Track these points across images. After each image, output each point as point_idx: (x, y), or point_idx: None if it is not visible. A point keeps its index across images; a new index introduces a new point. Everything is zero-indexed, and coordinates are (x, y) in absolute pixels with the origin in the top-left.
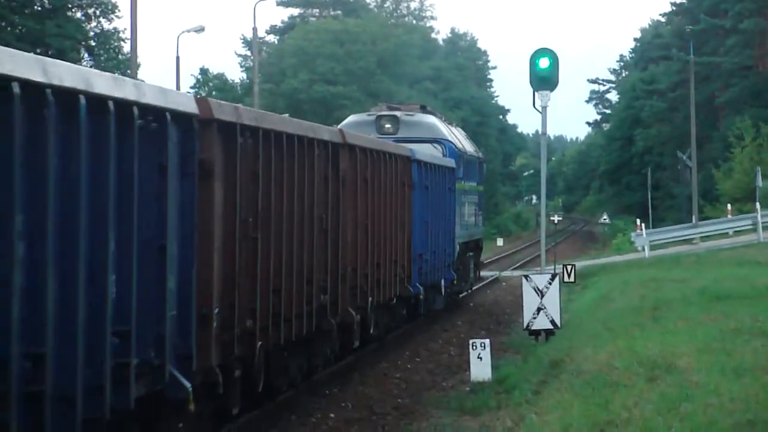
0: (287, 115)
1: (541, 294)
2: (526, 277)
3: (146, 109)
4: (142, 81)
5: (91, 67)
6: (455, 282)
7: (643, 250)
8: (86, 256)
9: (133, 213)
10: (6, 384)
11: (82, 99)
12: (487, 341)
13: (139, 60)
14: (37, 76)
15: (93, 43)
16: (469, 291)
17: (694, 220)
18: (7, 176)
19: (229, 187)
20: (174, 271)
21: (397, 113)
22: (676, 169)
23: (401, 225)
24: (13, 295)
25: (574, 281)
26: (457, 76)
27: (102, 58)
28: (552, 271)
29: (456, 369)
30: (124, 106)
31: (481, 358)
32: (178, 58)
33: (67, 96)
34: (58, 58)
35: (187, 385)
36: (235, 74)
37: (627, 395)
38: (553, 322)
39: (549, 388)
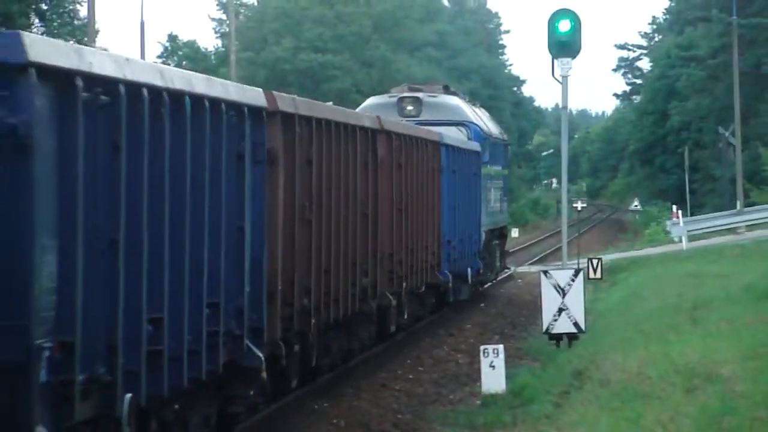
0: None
1: (562, 292)
2: (545, 272)
3: (230, 105)
4: (226, 81)
5: (42, 34)
6: (481, 271)
7: (680, 241)
8: (190, 236)
9: (221, 198)
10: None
11: (187, 99)
12: (500, 347)
13: (97, 26)
14: (157, 81)
15: (45, 7)
16: (494, 281)
17: (738, 206)
18: (160, 171)
19: (289, 174)
20: (248, 251)
21: (420, 94)
22: (717, 147)
23: (432, 210)
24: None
25: (601, 277)
26: (464, 41)
27: (55, 23)
28: (575, 266)
29: (465, 379)
30: (215, 102)
31: (493, 367)
32: (142, 23)
33: (176, 96)
34: (3, 25)
35: (260, 355)
36: (209, 41)
37: (662, 408)
38: (576, 324)
39: (572, 400)
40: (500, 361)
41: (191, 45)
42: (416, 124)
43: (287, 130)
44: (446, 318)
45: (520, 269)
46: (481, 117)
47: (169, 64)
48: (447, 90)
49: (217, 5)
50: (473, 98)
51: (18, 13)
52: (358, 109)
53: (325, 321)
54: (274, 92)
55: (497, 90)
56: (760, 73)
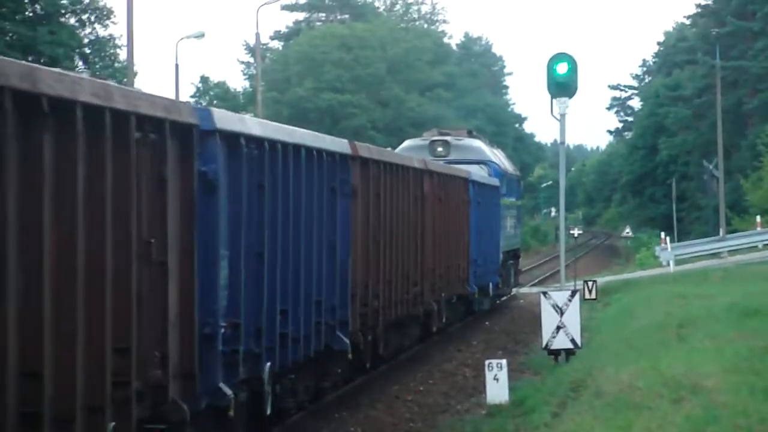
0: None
1: (560, 311)
2: (544, 293)
3: (328, 153)
4: (324, 135)
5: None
6: (500, 286)
7: (668, 264)
8: (304, 251)
9: (322, 221)
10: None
11: (303, 150)
12: (503, 362)
13: (136, 68)
14: (286, 138)
15: (87, 51)
16: (509, 295)
17: (721, 233)
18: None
19: (365, 204)
20: (339, 262)
21: (448, 138)
22: (702, 179)
23: (462, 235)
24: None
25: (596, 298)
26: (471, 82)
27: (97, 66)
28: (572, 288)
29: (471, 391)
30: (319, 151)
31: (497, 380)
32: (177, 65)
33: (297, 148)
34: (50, 66)
35: (347, 341)
36: (238, 82)
37: (651, 418)
38: (573, 341)
39: (569, 410)
40: (503, 375)
41: (221, 86)
42: (445, 163)
43: (364, 171)
44: (454, 335)
45: (522, 290)
46: (498, 156)
47: (200, 104)
48: (470, 134)
49: (245, 49)
50: (488, 138)
51: (62, 56)
52: (397, 150)
53: (387, 320)
54: (356, 142)
55: (501, 126)
56: (741, 112)
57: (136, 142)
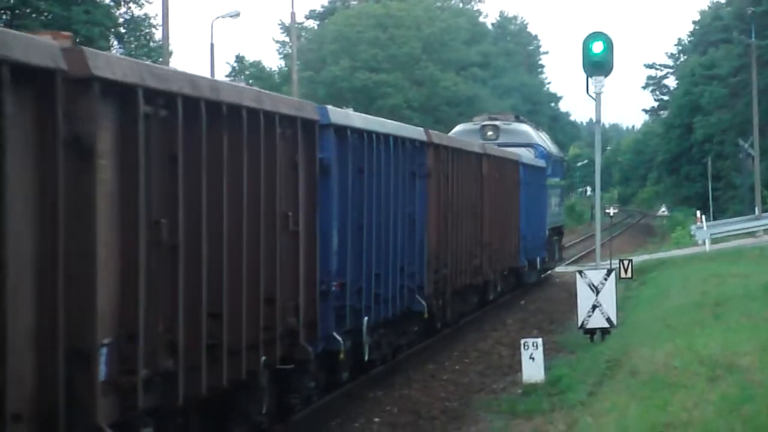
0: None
1: (596, 290)
2: (580, 272)
3: (411, 140)
4: (405, 125)
5: (121, 54)
6: (546, 260)
7: (704, 243)
8: (392, 224)
9: (405, 199)
10: (370, 286)
11: (391, 139)
12: (539, 341)
13: (171, 48)
14: (380, 128)
15: (123, 30)
16: (554, 269)
17: (757, 212)
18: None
19: (437, 184)
20: (417, 233)
21: (497, 122)
22: (738, 158)
23: (513, 213)
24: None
25: (632, 277)
26: (506, 61)
27: (132, 45)
28: (608, 267)
29: (507, 370)
30: (404, 140)
31: (533, 359)
32: (212, 45)
33: (384, 137)
34: (86, 46)
35: (423, 303)
36: (273, 62)
37: (686, 396)
38: (608, 320)
39: (604, 389)
40: (539, 354)
41: (257, 65)
42: (495, 145)
43: (436, 155)
44: (489, 315)
45: (558, 269)
46: (544, 139)
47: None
48: (517, 118)
49: (281, 29)
50: (531, 121)
51: (98, 35)
52: (450, 134)
53: (454, 287)
54: (430, 130)
55: (536, 106)
56: None
57: (278, 136)
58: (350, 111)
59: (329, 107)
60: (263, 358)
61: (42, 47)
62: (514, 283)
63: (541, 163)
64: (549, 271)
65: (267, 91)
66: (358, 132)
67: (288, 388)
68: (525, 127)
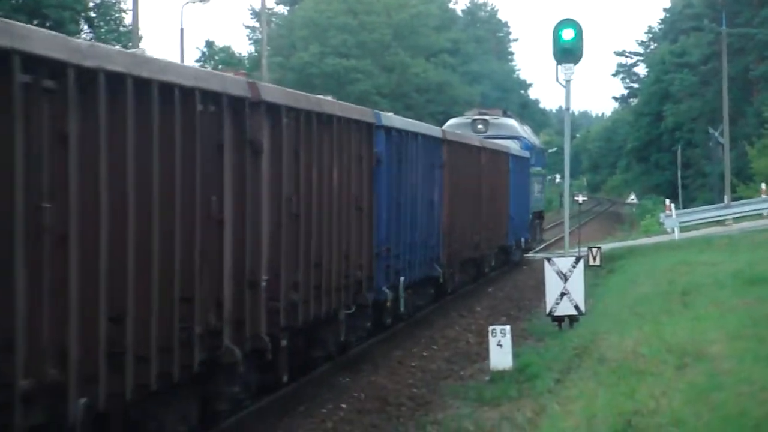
0: (391, 113)
1: (564, 278)
2: (548, 260)
3: (432, 137)
4: (426, 124)
5: (90, 39)
6: (529, 240)
7: (673, 231)
8: (419, 205)
9: (427, 184)
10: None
11: (419, 137)
12: (507, 328)
13: (140, 32)
14: (408, 127)
15: (93, 14)
16: (536, 249)
17: (726, 201)
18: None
19: (448, 174)
20: (435, 213)
21: (487, 117)
22: (707, 146)
23: (503, 198)
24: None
25: (600, 265)
26: (476, 48)
27: (102, 30)
28: (576, 254)
29: (475, 357)
30: (427, 137)
31: (501, 346)
32: (182, 30)
33: (415, 135)
34: (56, 30)
35: (440, 271)
36: (243, 47)
37: (654, 384)
38: (577, 307)
39: (572, 376)
40: (507, 341)
41: (227, 50)
42: (484, 137)
43: (450, 150)
44: (457, 302)
45: (525, 256)
46: (527, 132)
47: (205, 68)
48: (504, 113)
49: (251, 14)
50: (484, 100)
51: (68, 19)
52: (444, 127)
53: (460, 259)
54: (443, 128)
55: (506, 93)
56: (747, 79)
57: (353, 137)
58: (391, 114)
59: (381, 112)
60: (343, 301)
61: None
62: (503, 259)
63: (526, 153)
64: (530, 252)
65: (341, 102)
66: (398, 131)
67: (354, 325)
68: (511, 122)
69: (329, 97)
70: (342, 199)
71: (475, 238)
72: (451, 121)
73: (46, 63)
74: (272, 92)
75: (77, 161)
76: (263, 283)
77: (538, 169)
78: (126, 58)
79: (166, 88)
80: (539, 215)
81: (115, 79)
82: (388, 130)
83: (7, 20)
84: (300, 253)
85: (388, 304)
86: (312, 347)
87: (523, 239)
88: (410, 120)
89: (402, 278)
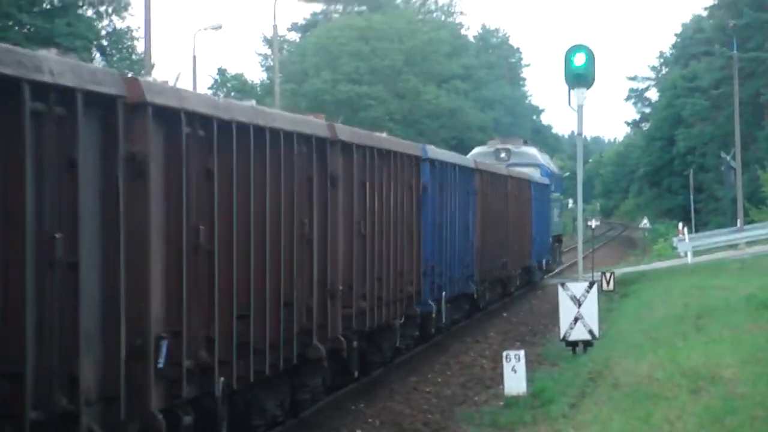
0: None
1: (578, 303)
2: (562, 284)
3: (466, 168)
4: (461, 155)
5: (103, 67)
6: (549, 262)
7: (686, 255)
8: (458, 229)
9: (463, 210)
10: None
11: (456, 168)
12: (521, 353)
13: (153, 60)
14: (448, 159)
15: (105, 43)
16: (556, 270)
17: (738, 224)
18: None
19: (480, 200)
20: (469, 235)
21: (509, 146)
22: (719, 170)
23: (526, 222)
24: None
25: (614, 289)
26: (488, 74)
27: (115, 58)
28: (590, 279)
29: (489, 382)
30: (463, 167)
31: (515, 371)
32: (194, 57)
33: (451, 165)
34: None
35: (474, 287)
36: (256, 74)
37: (669, 408)
38: (591, 332)
39: (587, 401)
40: (521, 366)
41: (239, 78)
42: (507, 166)
43: (482, 179)
44: (472, 326)
45: (542, 279)
46: (547, 160)
47: (218, 96)
48: (525, 143)
49: (263, 41)
50: (496, 126)
51: (81, 48)
52: (468, 156)
53: (490, 279)
54: (476, 159)
55: (518, 118)
56: (759, 103)
57: (406, 168)
58: (433, 147)
59: (427, 146)
60: (398, 312)
61: None
62: (526, 279)
63: (546, 180)
64: (551, 273)
65: (396, 139)
66: (441, 162)
67: (404, 334)
68: (532, 150)
69: (349, 127)
70: (397, 223)
71: (503, 259)
72: (475, 150)
73: (198, 117)
74: (345, 132)
75: (218, 192)
76: (339, 293)
77: (557, 195)
78: (248, 111)
79: (275, 133)
80: (558, 238)
81: (242, 127)
82: (432, 161)
83: (179, 88)
84: (366, 269)
85: (434, 315)
86: (370, 352)
87: (544, 260)
88: (449, 152)
89: (444, 293)
